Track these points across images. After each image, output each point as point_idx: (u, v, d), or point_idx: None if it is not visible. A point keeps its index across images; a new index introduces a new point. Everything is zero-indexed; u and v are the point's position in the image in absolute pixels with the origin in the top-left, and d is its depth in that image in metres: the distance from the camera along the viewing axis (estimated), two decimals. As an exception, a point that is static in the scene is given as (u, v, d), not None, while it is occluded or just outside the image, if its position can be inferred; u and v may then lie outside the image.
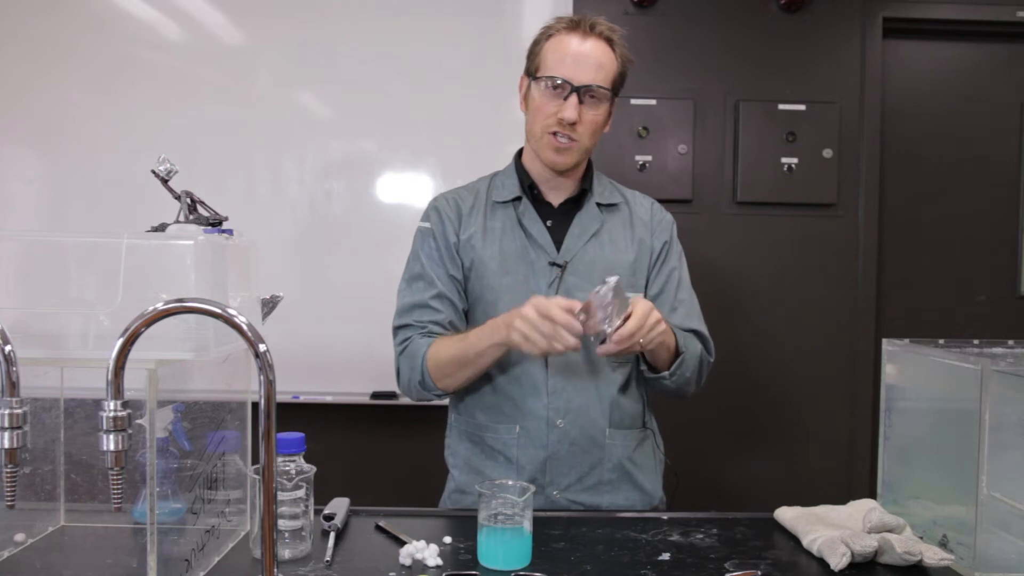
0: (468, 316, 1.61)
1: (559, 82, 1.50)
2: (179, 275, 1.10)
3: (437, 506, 1.66)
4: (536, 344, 1.35)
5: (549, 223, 1.59)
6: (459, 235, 1.59)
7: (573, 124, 1.51)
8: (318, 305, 2.51)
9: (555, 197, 1.62)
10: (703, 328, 1.63)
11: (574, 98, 1.50)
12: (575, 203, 1.61)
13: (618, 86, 1.56)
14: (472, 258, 1.57)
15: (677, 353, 1.53)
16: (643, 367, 1.57)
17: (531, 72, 1.57)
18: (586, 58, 1.51)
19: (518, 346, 1.39)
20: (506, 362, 1.54)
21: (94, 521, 1.35)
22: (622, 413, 1.58)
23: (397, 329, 1.59)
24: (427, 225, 1.62)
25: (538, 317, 1.34)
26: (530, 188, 1.61)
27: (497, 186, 1.63)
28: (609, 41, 1.54)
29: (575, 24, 1.53)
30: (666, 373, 1.53)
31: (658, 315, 1.41)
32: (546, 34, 1.56)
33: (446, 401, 1.68)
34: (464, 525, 1.36)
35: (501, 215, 1.59)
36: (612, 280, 1.32)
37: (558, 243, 1.57)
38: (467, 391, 1.60)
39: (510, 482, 1.25)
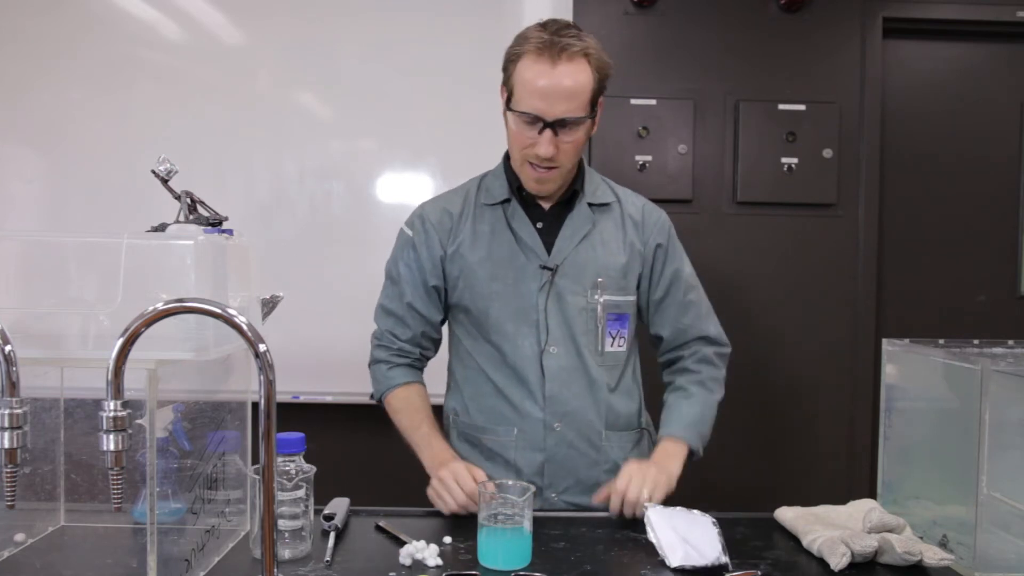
0: (461, 321, 1.61)
1: (530, 117, 1.43)
2: (179, 275, 1.10)
3: (422, 499, 1.66)
4: (444, 504, 1.42)
5: (539, 225, 1.57)
6: (446, 248, 1.57)
7: (551, 157, 1.45)
8: (318, 305, 2.51)
9: (546, 200, 1.59)
10: (712, 329, 1.65)
11: (548, 133, 1.43)
12: (566, 204, 1.59)
13: (597, 96, 1.48)
14: (461, 266, 1.56)
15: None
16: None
17: (507, 87, 1.50)
18: (557, 89, 1.40)
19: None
20: (503, 365, 1.54)
21: (94, 521, 1.35)
22: (617, 415, 1.58)
23: (374, 332, 1.67)
24: (410, 233, 1.61)
25: (452, 483, 1.41)
26: (519, 190, 1.58)
27: (486, 187, 1.61)
28: (586, 56, 1.43)
29: (543, 49, 1.41)
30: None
31: (647, 480, 1.41)
32: (516, 53, 1.45)
33: (439, 393, 1.69)
34: (464, 525, 1.36)
35: (490, 217, 1.58)
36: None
37: (548, 245, 1.55)
38: (465, 394, 1.60)
39: (510, 482, 1.25)
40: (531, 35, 1.44)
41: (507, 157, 1.62)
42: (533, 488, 1.24)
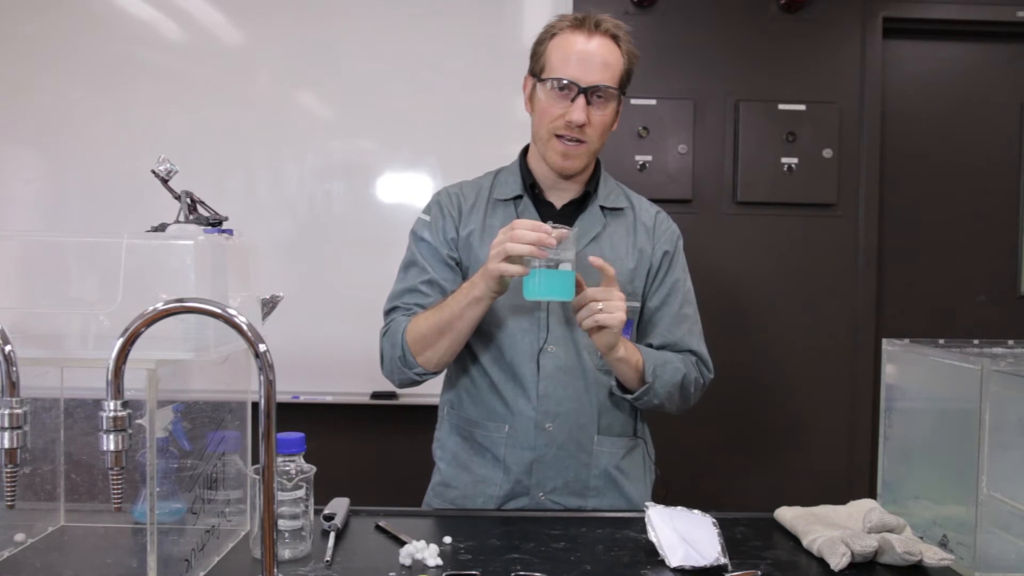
0: None
1: (565, 83, 1.47)
2: (179, 275, 1.10)
3: (422, 499, 1.66)
4: (510, 248, 1.33)
5: (550, 223, 1.58)
6: (459, 231, 1.58)
7: (582, 126, 1.48)
8: (318, 305, 2.51)
9: (557, 198, 1.60)
10: (702, 348, 1.61)
11: (581, 99, 1.47)
12: (578, 205, 1.59)
13: (625, 83, 1.54)
14: (469, 257, 1.57)
15: (644, 379, 1.50)
16: (612, 383, 1.55)
17: (535, 72, 1.54)
18: (592, 57, 1.48)
19: (496, 283, 1.38)
20: (501, 361, 1.54)
21: (94, 521, 1.35)
22: (612, 420, 1.57)
23: (386, 314, 1.59)
24: (427, 218, 1.61)
25: (504, 233, 1.36)
26: (531, 187, 1.59)
27: (500, 183, 1.62)
28: (615, 38, 1.51)
29: (580, 22, 1.50)
30: (630, 396, 1.53)
31: (621, 311, 1.39)
32: (550, 33, 1.53)
33: (437, 392, 1.68)
34: (464, 525, 1.36)
35: (501, 213, 1.58)
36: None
37: None
38: (460, 386, 1.60)
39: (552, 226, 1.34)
40: (566, 16, 1.54)
41: (523, 154, 1.63)
42: (575, 230, 1.37)
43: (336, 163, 2.59)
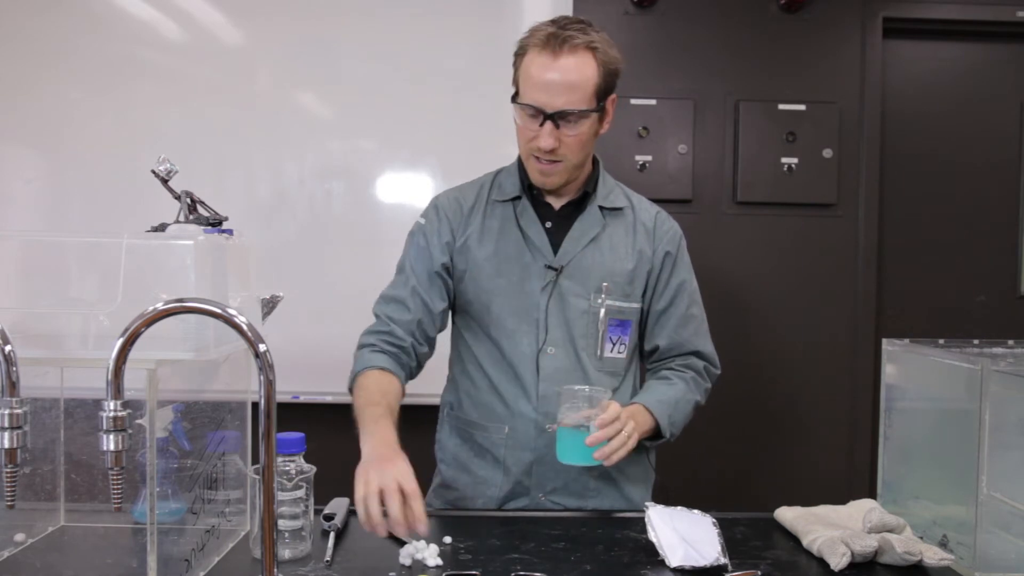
0: (463, 316, 1.60)
1: (532, 110, 1.44)
2: (179, 275, 1.11)
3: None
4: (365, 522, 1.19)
5: (548, 224, 1.57)
6: (456, 237, 1.57)
7: (553, 150, 1.45)
8: (318, 305, 2.51)
9: (556, 199, 1.59)
10: (708, 346, 1.63)
11: (549, 125, 1.43)
12: (577, 205, 1.59)
13: (604, 93, 1.47)
14: (468, 260, 1.56)
15: (658, 433, 1.51)
16: (615, 387, 1.57)
17: (514, 80, 1.50)
18: (558, 81, 1.41)
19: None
20: (501, 362, 1.55)
21: (94, 521, 1.35)
22: None
23: (375, 314, 1.57)
24: (423, 221, 1.60)
25: (375, 504, 1.17)
26: (529, 188, 1.58)
27: (499, 184, 1.61)
28: (590, 50, 1.43)
29: (546, 41, 1.42)
30: (650, 443, 1.56)
31: (623, 415, 1.39)
32: (523, 47, 1.47)
33: (437, 392, 1.68)
34: (464, 525, 1.36)
35: (500, 214, 1.58)
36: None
37: (556, 246, 1.55)
38: (461, 388, 1.60)
39: (586, 389, 1.38)
40: (539, 28, 1.46)
41: None
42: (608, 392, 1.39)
43: (336, 163, 2.59)
